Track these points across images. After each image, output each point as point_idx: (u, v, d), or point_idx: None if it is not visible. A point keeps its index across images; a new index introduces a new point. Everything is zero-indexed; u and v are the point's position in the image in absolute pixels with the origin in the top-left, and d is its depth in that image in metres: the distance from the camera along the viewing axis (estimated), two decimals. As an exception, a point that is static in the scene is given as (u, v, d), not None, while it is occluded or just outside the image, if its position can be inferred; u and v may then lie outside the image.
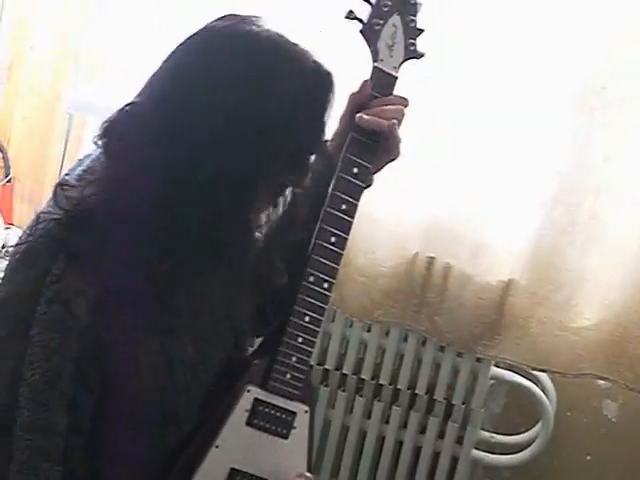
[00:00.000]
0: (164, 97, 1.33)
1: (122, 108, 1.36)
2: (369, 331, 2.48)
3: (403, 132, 1.50)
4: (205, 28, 1.36)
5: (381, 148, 1.49)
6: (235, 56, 1.32)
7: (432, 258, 2.35)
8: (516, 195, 2.29)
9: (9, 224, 2.77)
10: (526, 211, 2.30)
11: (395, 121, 1.46)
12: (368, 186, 1.52)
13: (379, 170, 1.54)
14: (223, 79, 1.30)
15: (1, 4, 2.72)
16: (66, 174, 1.44)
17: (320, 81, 1.38)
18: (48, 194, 2.53)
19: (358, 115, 1.46)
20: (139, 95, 1.37)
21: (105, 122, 1.37)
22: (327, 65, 1.39)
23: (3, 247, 2.65)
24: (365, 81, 1.47)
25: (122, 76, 2.58)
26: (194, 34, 1.36)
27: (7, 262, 1.35)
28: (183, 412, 1.45)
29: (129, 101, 1.38)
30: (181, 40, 1.37)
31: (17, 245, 1.35)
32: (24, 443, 1.26)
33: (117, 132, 1.35)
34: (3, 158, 2.78)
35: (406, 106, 1.49)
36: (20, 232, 2.68)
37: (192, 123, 1.29)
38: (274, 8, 2.16)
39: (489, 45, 2.24)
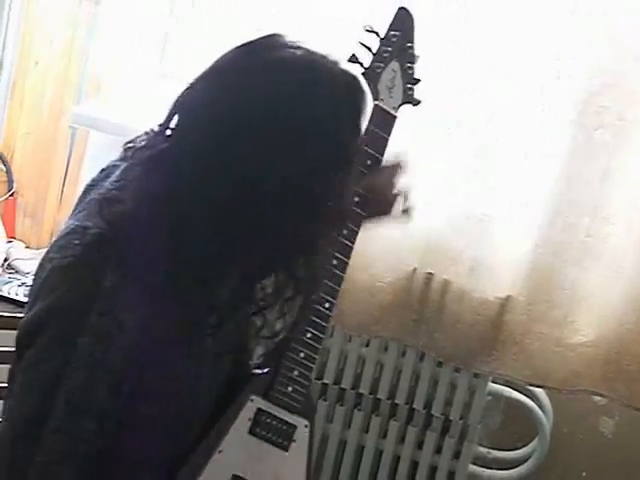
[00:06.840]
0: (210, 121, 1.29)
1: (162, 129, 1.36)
2: (367, 346, 2.50)
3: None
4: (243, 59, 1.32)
5: None
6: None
7: (430, 274, 2.37)
8: (514, 213, 2.32)
9: (11, 238, 2.79)
10: (524, 228, 2.32)
11: None
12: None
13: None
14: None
15: (6, 20, 2.75)
16: (91, 184, 1.43)
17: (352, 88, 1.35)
18: (51, 208, 2.53)
19: None
20: (179, 112, 1.34)
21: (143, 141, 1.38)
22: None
23: (5, 261, 2.67)
24: None
25: (124, 91, 2.62)
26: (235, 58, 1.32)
27: (41, 272, 1.35)
28: (198, 421, 1.49)
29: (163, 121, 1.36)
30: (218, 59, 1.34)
31: (59, 257, 1.33)
32: (50, 446, 1.27)
33: (165, 148, 1.34)
34: (7, 172, 2.80)
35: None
36: (22, 246, 2.72)
37: (249, 145, 1.27)
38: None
39: (487, 57, 2.27)
